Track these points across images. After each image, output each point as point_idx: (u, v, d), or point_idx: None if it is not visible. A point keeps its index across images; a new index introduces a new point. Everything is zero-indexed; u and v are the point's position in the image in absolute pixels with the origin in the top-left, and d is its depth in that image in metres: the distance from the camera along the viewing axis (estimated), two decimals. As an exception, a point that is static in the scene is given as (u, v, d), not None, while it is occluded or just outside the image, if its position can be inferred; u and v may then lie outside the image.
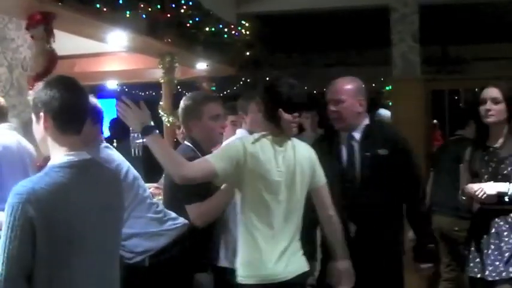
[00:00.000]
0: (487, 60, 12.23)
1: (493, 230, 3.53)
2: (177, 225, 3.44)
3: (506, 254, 3.46)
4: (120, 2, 4.78)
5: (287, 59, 13.85)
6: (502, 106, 3.58)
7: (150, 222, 3.43)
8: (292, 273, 2.96)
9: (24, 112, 5.24)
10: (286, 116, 2.95)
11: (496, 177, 3.53)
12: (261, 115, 3.06)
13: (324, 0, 9.05)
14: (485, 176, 3.58)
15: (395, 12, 8.58)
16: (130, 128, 3.99)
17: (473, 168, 3.68)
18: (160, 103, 6.73)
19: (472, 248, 3.65)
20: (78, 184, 2.23)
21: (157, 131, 2.92)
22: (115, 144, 6.43)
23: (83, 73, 7.57)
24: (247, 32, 7.95)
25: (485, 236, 3.56)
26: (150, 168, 3.48)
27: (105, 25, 4.88)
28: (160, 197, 4.09)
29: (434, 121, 8.81)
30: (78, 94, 2.30)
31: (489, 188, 3.49)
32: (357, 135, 3.66)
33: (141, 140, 3.71)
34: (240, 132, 4.06)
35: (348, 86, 3.67)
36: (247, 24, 8.00)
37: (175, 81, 6.75)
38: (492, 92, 3.62)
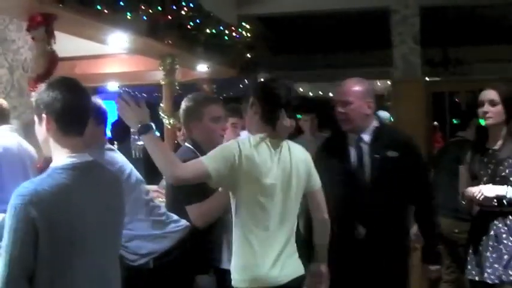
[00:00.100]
0: (487, 62, 12.22)
1: (492, 233, 3.53)
2: (180, 227, 3.44)
3: (505, 257, 3.46)
4: (121, 3, 4.77)
5: (288, 60, 13.84)
6: (499, 108, 3.57)
7: (152, 224, 3.43)
8: (288, 276, 2.92)
9: (25, 113, 5.23)
10: (286, 122, 2.91)
11: (494, 179, 3.52)
12: (257, 117, 2.99)
13: (325, 2, 9.06)
14: (484, 178, 3.57)
15: (396, 14, 8.59)
16: (131, 130, 3.99)
17: (472, 170, 3.68)
18: (161, 105, 6.72)
19: (470, 251, 3.65)
20: (80, 186, 2.24)
21: (155, 131, 2.91)
22: (116, 145, 6.43)
23: (83, 75, 7.56)
24: (248, 34, 7.94)
25: (484, 239, 3.56)
26: (151, 170, 3.47)
27: (105, 27, 4.88)
28: (160, 200, 4.09)
29: (435, 123, 8.82)
30: (80, 95, 2.31)
31: (487, 191, 3.49)
32: (366, 137, 3.64)
33: (141, 142, 3.69)
34: (245, 134, 4.06)
35: (356, 88, 3.65)
36: (248, 26, 7.99)
37: (176, 83, 6.74)
38: (489, 94, 3.61)
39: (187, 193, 3.26)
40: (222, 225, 3.50)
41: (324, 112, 7.27)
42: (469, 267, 3.63)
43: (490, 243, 3.53)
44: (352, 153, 3.65)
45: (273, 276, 2.87)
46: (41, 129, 2.31)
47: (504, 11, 9.90)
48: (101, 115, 3.46)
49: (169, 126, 6.52)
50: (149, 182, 3.71)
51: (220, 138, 3.60)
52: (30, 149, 4.36)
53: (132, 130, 4.06)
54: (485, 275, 3.50)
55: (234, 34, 7.52)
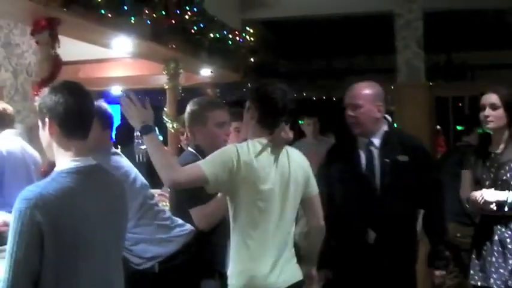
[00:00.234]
0: (491, 67, 12.22)
1: (496, 238, 3.52)
2: (185, 231, 3.45)
3: (510, 262, 3.45)
4: (125, 8, 4.78)
5: (291, 65, 13.85)
6: (500, 112, 3.56)
7: (158, 229, 3.44)
8: (287, 282, 2.91)
9: (29, 117, 5.25)
10: (283, 134, 2.89)
11: (496, 183, 3.51)
12: (253, 122, 2.96)
13: (329, 7, 9.07)
14: (487, 182, 3.57)
15: (400, 18, 8.59)
16: (135, 134, 4.00)
17: (475, 175, 3.68)
18: (165, 109, 6.72)
19: (474, 256, 3.63)
20: (84, 190, 2.24)
21: (158, 134, 2.90)
22: (119, 149, 6.44)
23: (87, 79, 7.56)
24: (252, 38, 7.95)
25: (488, 244, 3.55)
26: (154, 174, 3.48)
27: (109, 31, 4.89)
28: (164, 203, 4.10)
29: (438, 127, 8.81)
30: (83, 99, 2.30)
31: (488, 195, 3.48)
32: (376, 141, 3.62)
33: (145, 146, 3.70)
34: None
35: (366, 91, 3.62)
36: (251, 31, 8.00)
37: (180, 87, 6.74)
38: (491, 98, 3.60)
39: (191, 196, 3.26)
40: (226, 229, 3.50)
41: (327, 116, 7.28)
42: (472, 272, 3.62)
43: (495, 248, 3.51)
44: (362, 157, 3.63)
45: (271, 282, 2.85)
46: (44, 134, 2.31)
47: (509, 15, 9.89)
48: (107, 120, 3.48)
49: (172, 131, 6.51)
50: (153, 186, 3.72)
51: (224, 144, 3.59)
52: (34, 153, 4.38)
53: (135, 134, 4.07)
54: (491, 280, 3.49)
55: (237, 38, 7.53)
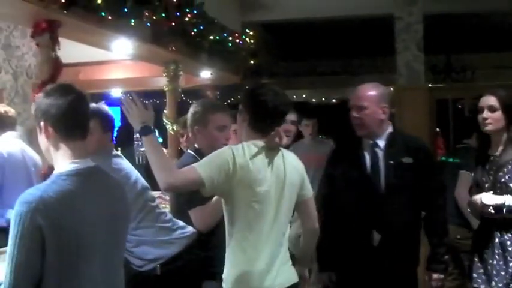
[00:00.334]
0: (491, 69, 12.23)
1: (497, 241, 3.51)
2: (187, 233, 3.45)
3: (511, 264, 3.45)
4: (125, 10, 4.78)
5: (291, 67, 13.86)
6: (499, 114, 3.54)
7: (159, 231, 3.44)
8: (283, 284, 2.89)
9: (29, 120, 5.26)
10: (277, 140, 2.86)
11: (495, 186, 3.51)
12: (245, 124, 2.93)
13: (329, 9, 9.08)
14: (486, 185, 3.55)
15: (400, 21, 8.60)
16: (135, 136, 4.01)
17: (475, 178, 3.67)
18: (165, 111, 6.73)
19: (476, 259, 3.63)
20: (84, 192, 2.24)
21: (157, 135, 2.89)
22: (119, 151, 6.45)
23: (87, 81, 7.59)
24: (252, 41, 7.96)
25: (489, 247, 3.54)
26: (154, 176, 3.48)
27: (109, 33, 4.89)
28: (163, 205, 4.10)
29: (437, 129, 8.81)
30: (75, 99, 2.28)
31: (486, 199, 3.47)
32: (381, 142, 3.60)
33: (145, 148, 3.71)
34: None
35: (370, 93, 3.59)
36: (251, 33, 8.01)
37: (180, 90, 6.75)
38: (489, 100, 3.58)
39: (190, 197, 3.27)
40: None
41: (326, 117, 7.27)
42: (475, 275, 3.61)
43: (496, 251, 3.50)
44: (367, 158, 3.60)
45: (267, 285, 2.83)
46: (42, 138, 2.31)
47: (508, 18, 9.91)
48: (108, 122, 3.49)
49: (172, 133, 6.53)
50: (153, 188, 3.73)
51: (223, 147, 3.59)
52: (35, 155, 4.39)
53: (135, 136, 4.07)
54: (493, 283, 3.48)
55: (237, 41, 7.54)
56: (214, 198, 3.24)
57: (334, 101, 16.03)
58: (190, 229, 3.44)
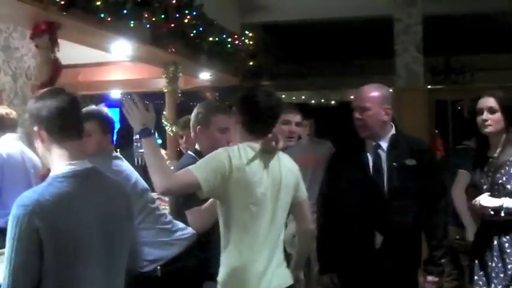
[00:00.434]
0: (490, 70, 12.24)
1: (495, 243, 3.51)
2: (187, 235, 3.46)
3: (510, 267, 3.45)
4: (124, 11, 4.78)
5: (290, 68, 13.86)
6: (498, 115, 3.54)
7: (159, 232, 3.45)
8: (278, 286, 2.89)
9: (28, 121, 5.25)
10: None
11: (493, 187, 3.51)
12: (239, 127, 2.92)
13: (328, 11, 9.09)
14: (484, 187, 3.55)
15: (399, 22, 8.60)
16: (134, 137, 4.01)
17: (474, 180, 3.67)
18: (164, 112, 6.73)
19: (476, 261, 3.63)
20: (81, 193, 2.24)
21: (156, 137, 2.89)
22: (118, 152, 6.44)
23: (87, 82, 7.59)
24: (251, 42, 7.96)
25: (488, 249, 3.54)
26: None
27: (109, 34, 4.89)
28: (163, 207, 4.10)
29: (436, 131, 8.82)
30: (65, 100, 2.29)
31: (485, 201, 3.47)
32: (384, 144, 3.58)
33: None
34: None
35: (374, 94, 3.56)
36: (251, 34, 8.01)
37: (179, 91, 6.75)
38: (488, 101, 3.58)
39: (187, 198, 3.27)
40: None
41: (324, 118, 7.28)
42: (476, 277, 3.61)
43: (494, 253, 3.51)
44: (370, 160, 3.58)
45: None
46: (38, 143, 2.32)
47: (507, 19, 9.92)
48: (108, 124, 3.50)
49: (171, 134, 6.52)
50: (152, 190, 3.73)
51: None
52: (34, 157, 4.39)
53: (134, 137, 4.08)
54: (492, 286, 3.48)
55: (236, 42, 7.54)
56: (211, 199, 3.24)
57: (333, 102, 16.04)
58: (190, 230, 3.45)
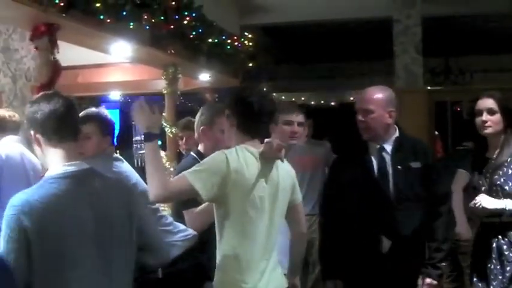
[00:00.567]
0: (490, 71, 12.25)
1: (494, 245, 3.51)
2: (188, 236, 3.46)
3: (508, 268, 3.45)
4: (124, 13, 4.79)
5: (290, 70, 13.88)
6: (498, 117, 3.53)
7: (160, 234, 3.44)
8: None
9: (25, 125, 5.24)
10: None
11: (491, 188, 3.51)
12: (234, 129, 2.90)
13: (327, 12, 9.09)
14: (483, 188, 3.55)
15: (398, 24, 8.61)
16: (133, 139, 4.02)
17: (472, 181, 3.66)
18: (163, 114, 6.72)
19: (477, 264, 3.63)
20: (75, 195, 2.24)
21: (159, 142, 2.89)
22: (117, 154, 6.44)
23: (86, 84, 7.59)
24: (250, 43, 7.97)
25: (487, 251, 3.54)
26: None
27: (108, 36, 4.90)
28: (163, 208, 4.10)
29: (435, 132, 8.82)
30: (58, 103, 2.30)
31: (487, 202, 3.46)
32: (388, 147, 3.52)
33: (144, 151, 3.71)
34: None
35: (378, 96, 3.51)
36: (250, 36, 8.01)
37: (178, 92, 6.75)
38: (487, 102, 3.57)
39: (187, 199, 3.28)
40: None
41: (323, 119, 7.28)
42: (475, 279, 3.61)
43: (493, 255, 3.51)
44: (374, 163, 3.52)
45: None
46: (36, 146, 2.34)
47: (507, 20, 9.93)
48: (107, 126, 3.50)
49: (171, 135, 6.52)
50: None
51: None
52: (34, 159, 4.38)
53: (134, 139, 4.08)
54: (491, 287, 3.48)
55: (236, 43, 7.54)
56: None
57: (333, 103, 16.04)
58: (191, 232, 3.45)
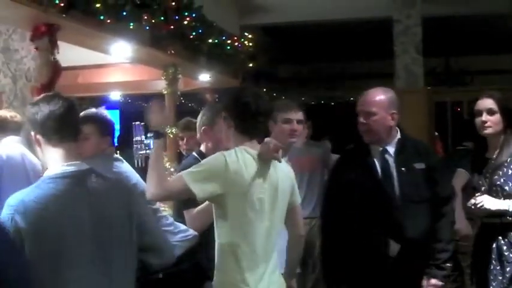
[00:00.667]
0: (490, 72, 12.25)
1: (494, 246, 3.51)
2: (188, 237, 3.46)
3: (508, 269, 3.44)
4: (124, 13, 4.79)
5: (290, 70, 13.88)
6: (498, 117, 3.53)
7: None
8: None
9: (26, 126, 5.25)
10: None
11: (491, 189, 3.50)
12: (232, 130, 2.90)
13: (327, 12, 9.10)
14: (482, 188, 3.54)
15: (399, 24, 8.62)
16: (133, 139, 4.02)
17: (472, 182, 3.66)
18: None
19: (477, 264, 3.63)
20: (72, 195, 2.24)
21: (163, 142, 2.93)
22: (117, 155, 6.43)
23: (86, 84, 7.59)
24: (251, 44, 7.96)
25: (487, 252, 3.54)
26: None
27: (108, 36, 4.90)
28: (163, 208, 4.10)
29: (435, 133, 8.83)
30: (58, 104, 2.31)
31: (489, 203, 3.45)
32: (391, 149, 3.48)
33: (144, 151, 3.73)
34: None
35: (380, 98, 3.47)
36: (250, 36, 8.01)
37: (178, 93, 6.75)
38: (487, 102, 3.57)
39: (187, 198, 3.28)
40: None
41: (323, 120, 7.28)
42: (475, 280, 3.62)
43: (493, 256, 3.51)
44: (377, 165, 3.47)
45: None
46: (37, 147, 2.36)
47: (507, 20, 9.92)
48: (106, 126, 3.51)
49: (171, 136, 6.52)
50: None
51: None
52: (35, 160, 4.38)
53: (134, 139, 4.08)
54: None
55: (236, 44, 7.54)
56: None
57: (332, 104, 16.03)
58: (191, 232, 3.45)
